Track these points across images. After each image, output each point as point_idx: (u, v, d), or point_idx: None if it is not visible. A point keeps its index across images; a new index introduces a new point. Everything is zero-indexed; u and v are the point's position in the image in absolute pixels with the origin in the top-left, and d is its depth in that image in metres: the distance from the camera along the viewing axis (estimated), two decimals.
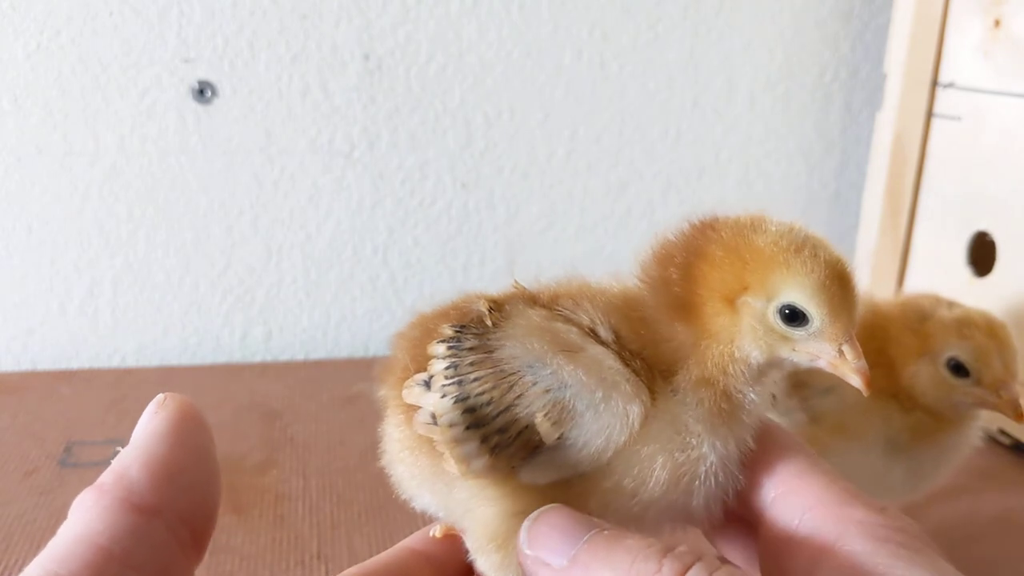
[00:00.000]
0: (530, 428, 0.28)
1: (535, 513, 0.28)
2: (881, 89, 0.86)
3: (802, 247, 0.29)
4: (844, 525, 0.26)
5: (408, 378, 0.31)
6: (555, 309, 0.30)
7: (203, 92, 0.83)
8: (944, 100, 0.81)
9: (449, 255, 0.93)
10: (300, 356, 0.93)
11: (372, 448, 0.78)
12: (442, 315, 0.32)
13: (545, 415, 0.28)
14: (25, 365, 0.88)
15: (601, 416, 0.28)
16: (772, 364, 0.30)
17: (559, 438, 0.28)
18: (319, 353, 0.94)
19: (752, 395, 0.30)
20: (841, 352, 0.29)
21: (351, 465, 0.67)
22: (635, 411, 0.28)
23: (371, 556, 0.58)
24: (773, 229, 0.30)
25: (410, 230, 0.92)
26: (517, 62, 0.89)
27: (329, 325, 0.93)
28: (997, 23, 0.75)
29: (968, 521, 0.63)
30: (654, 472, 0.28)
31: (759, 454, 0.30)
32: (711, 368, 0.30)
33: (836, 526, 0.26)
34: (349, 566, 0.56)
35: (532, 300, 0.31)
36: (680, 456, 0.28)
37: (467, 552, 0.31)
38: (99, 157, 0.83)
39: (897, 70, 0.82)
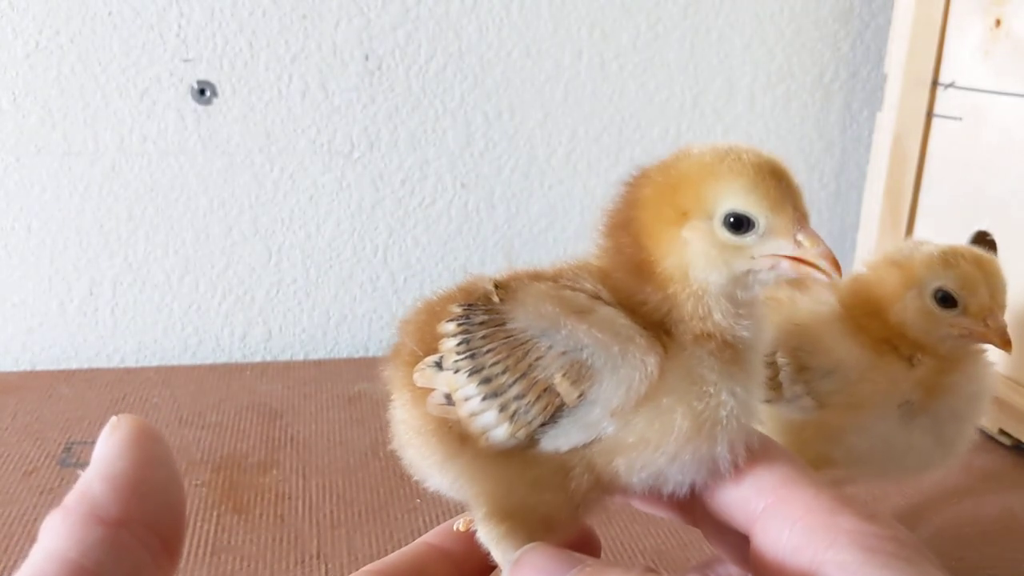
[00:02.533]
0: (549, 391, 0.28)
1: (516, 555, 0.28)
2: (881, 89, 0.86)
3: (725, 155, 0.29)
4: (833, 535, 0.26)
5: (415, 362, 0.32)
6: (559, 282, 0.31)
7: (203, 92, 0.83)
8: (944, 100, 0.81)
9: (449, 255, 0.93)
10: (300, 356, 0.93)
11: (372, 448, 0.78)
12: (448, 298, 0.33)
13: (564, 375, 0.28)
14: (25, 365, 0.88)
15: (620, 370, 0.28)
16: (738, 285, 0.30)
17: (580, 396, 0.28)
18: (319, 353, 0.94)
19: (744, 331, 0.30)
20: (799, 243, 0.29)
21: (351, 465, 0.67)
22: (652, 361, 0.28)
23: (371, 556, 0.58)
24: (695, 151, 0.30)
25: (410, 230, 0.92)
26: (517, 62, 0.89)
27: (329, 325, 0.93)
28: (997, 23, 0.75)
29: (970, 522, 0.63)
30: (675, 422, 0.28)
31: (747, 465, 0.29)
32: (692, 317, 0.29)
33: (825, 536, 0.26)
34: (349, 566, 0.56)
35: (535, 277, 0.31)
36: (699, 405, 0.28)
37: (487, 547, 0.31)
38: (99, 157, 0.83)
39: (897, 70, 0.82)
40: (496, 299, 0.30)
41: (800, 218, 0.29)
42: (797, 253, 0.29)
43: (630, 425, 0.28)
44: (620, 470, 0.29)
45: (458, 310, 0.31)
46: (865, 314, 0.49)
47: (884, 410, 0.48)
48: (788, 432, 0.51)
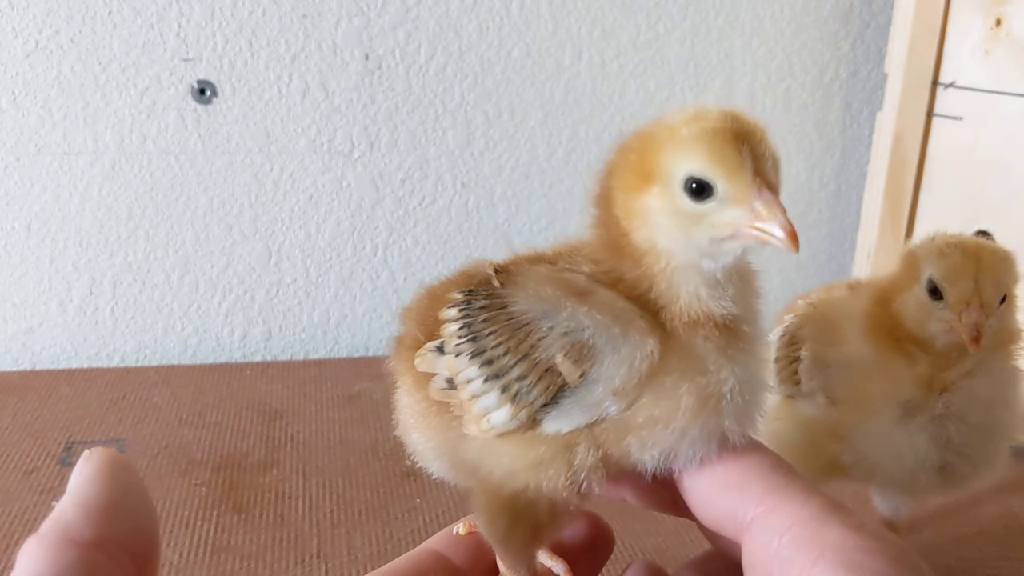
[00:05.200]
0: (551, 371, 0.28)
1: None
2: (881, 89, 0.86)
3: (692, 118, 0.28)
4: (819, 550, 0.25)
5: (418, 347, 0.32)
6: (557, 264, 0.31)
7: (203, 92, 0.83)
8: (944, 100, 0.81)
9: (449, 255, 0.93)
10: (300, 356, 0.93)
11: (372, 447, 0.78)
12: (449, 284, 0.33)
13: (565, 355, 0.28)
14: (25, 365, 0.88)
15: (621, 349, 0.28)
16: (704, 256, 0.29)
17: (581, 376, 0.28)
18: (319, 353, 0.94)
19: (727, 307, 0.29)
20: (755, 211, 0.27)
21: (351, 464, 0.67)
22: (652, 342, 0.28)
23: (371, 555, 0.58)
24: (667, 116, 0.29)
25: (410, 230, 0.92)
26: (517, 62, 0.89)
27: (329, 325, 0.93)
28: (997, 23, 0.75)
29: (969, 521, 0.63)
30: (680, 398, 0.28)
31: (736, 472, 0.29)
32: (667, 298, 0.29)
33: (812, 551, 0.26)
34: (349, 566, 0.56)
35: (535, 261, 0.32)
36: (702, 380, 0.28)
37: (489, 553, 0.31)
38: (99, 156, 0.83)
39: (897, 70, 0.82)
40: (497, 283, 0.30)
41: (761, 185, 0.27)
42: (753, 222, 0.27)
43: (638, 405, 0.28)
44: (632, 448, 0.29)
45: (459, 296, 0.31)
46: (881, 309, 0.48)
47: (886, 408, 0.46)
48: (803, 430, 0.49)
